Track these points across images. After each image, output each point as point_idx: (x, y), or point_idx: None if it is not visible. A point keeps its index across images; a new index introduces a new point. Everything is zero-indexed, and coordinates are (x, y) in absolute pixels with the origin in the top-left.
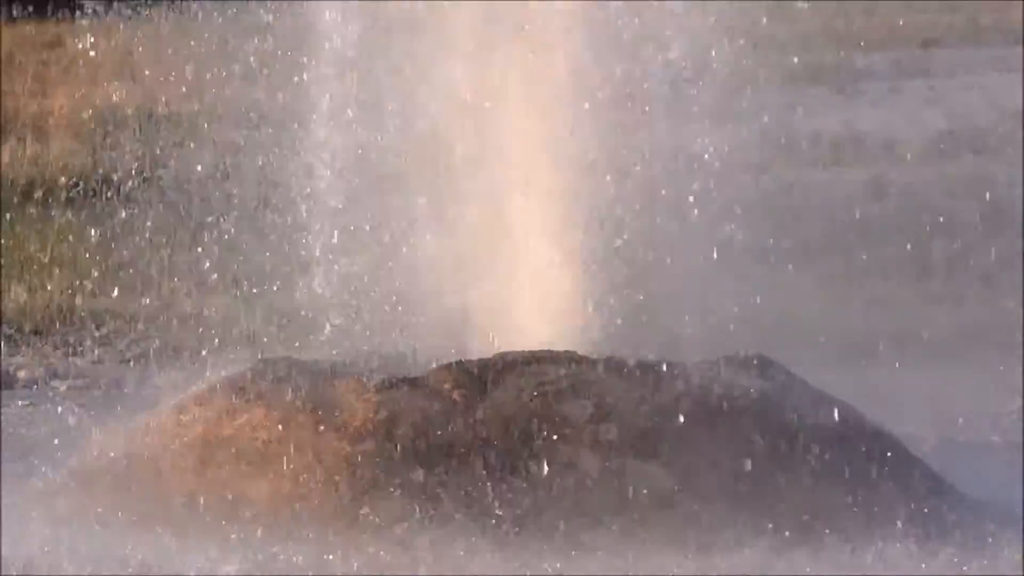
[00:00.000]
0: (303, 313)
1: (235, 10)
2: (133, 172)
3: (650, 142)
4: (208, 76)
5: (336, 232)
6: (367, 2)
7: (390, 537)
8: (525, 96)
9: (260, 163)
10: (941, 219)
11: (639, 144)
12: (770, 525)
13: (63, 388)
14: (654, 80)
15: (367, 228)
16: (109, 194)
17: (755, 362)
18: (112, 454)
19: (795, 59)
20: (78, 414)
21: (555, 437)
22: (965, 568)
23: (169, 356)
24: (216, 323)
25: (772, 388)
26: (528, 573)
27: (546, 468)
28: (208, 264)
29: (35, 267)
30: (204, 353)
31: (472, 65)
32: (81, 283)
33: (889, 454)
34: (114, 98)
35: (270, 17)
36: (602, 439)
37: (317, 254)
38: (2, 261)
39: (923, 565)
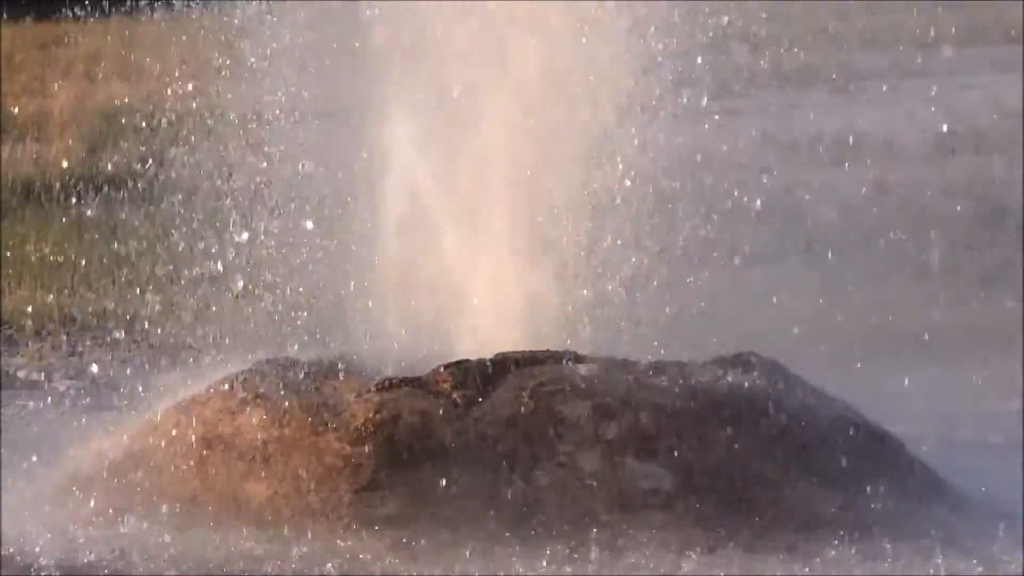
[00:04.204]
0: (303, 313)
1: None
2: (133, 171)
3: (650, 142)
4: (208, 76)
5: (334, 232)
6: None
7: (390, 537)
8: (523, 96)
9: (257, 164)
10: (941, 219)
11: (638, 144)
12: (769, 525)
13: (63, 388)
14: (654, 80)
15: (366, 229)
16: (108, 193)
17: (755, 362)
18: (112, 454)
19: (795, 59)
20: (78, 414)
21: (555, 437)
22: (965, 569)
23: (169, 356)
24: (216, 323)
25: (772, 388)
26: (528, 573)
27: (546, 468)
28: (208, 264)
29: (35, 267)
30: (204, 353)
31: (469, 65)
32: (81, 283)
33: (889, 454)
34: (114, 98)
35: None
36: (602, 439)
37: (316, 255)
38: (2, 261)
39: (923, 566)
